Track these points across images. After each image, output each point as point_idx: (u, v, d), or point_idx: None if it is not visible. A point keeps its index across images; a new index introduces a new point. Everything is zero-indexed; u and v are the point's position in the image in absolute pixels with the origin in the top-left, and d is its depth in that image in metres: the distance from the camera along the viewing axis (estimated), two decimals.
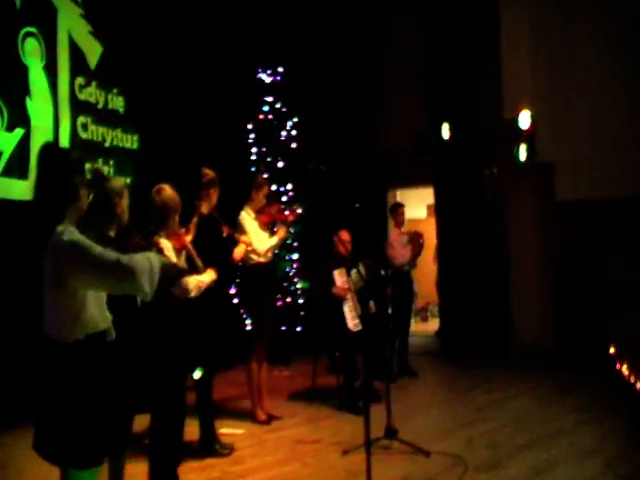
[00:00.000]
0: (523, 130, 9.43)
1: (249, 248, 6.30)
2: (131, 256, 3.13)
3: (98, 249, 3.10)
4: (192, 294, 4.66)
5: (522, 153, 9.44)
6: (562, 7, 9.48)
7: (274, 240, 6.54)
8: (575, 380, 7.91)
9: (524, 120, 9.39)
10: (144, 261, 3.12)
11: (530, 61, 9.65)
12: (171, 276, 3.70)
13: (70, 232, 3.12)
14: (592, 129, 9.18)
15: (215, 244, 5.52)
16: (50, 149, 4.88)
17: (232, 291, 8.58)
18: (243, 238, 6.23)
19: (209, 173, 5.80)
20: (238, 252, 6.19)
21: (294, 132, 10.21)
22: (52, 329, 3.16)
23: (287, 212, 6.92)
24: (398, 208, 9.05)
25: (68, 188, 3.24)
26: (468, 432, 5.96)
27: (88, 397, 3.13)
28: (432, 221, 11.53)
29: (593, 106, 9.17)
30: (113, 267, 3.04)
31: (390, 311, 8.07)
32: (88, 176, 3.67)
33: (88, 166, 6.96)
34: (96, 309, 3.26)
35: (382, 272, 7.77)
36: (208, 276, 4.81)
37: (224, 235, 5.79)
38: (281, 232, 6.62)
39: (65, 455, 3.12)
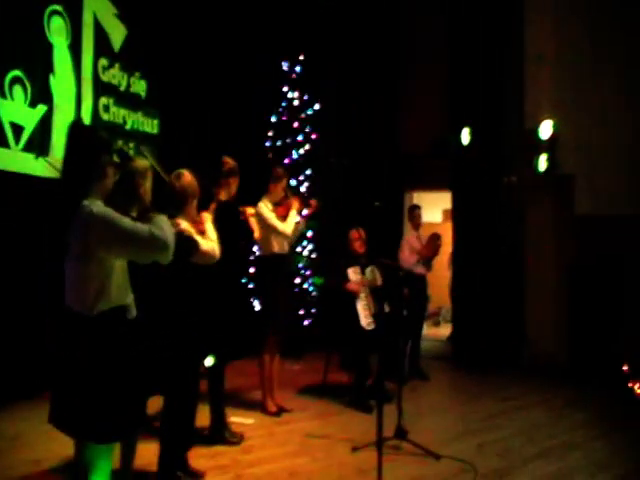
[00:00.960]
0: (543, 140, 9.34)
1: (270, 231, 6.31)
2: (160, 226, 3.16)
3: (127, 220, 3.13)
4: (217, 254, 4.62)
5: (542, 163, 9.36)
6: (588, 17, 9.38)
7: (293, 215, 6.47)
8: (587, 394, 7.82)
9: (545, 130, 9.32)
10: (170, 228, 3.22)
11: (554, 70, 9.55)
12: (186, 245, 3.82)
13: (98, 205, 3.14)
14: (614, 143, 9.08)
15: (233, 230, 5.48)
16: (79, 127, 4.84)
17: (246, 281, 8.55)
18: (250, 210, 6.22)
19: (229, 162, 5.78)
20: (256, 230, 6.22)
21: (314, 124, 10.15)
22: (76, 301, 3.15)
23: (304, 206, 6.85)
24: (415, 210, 8.95)
25: (96, 166, 3.24)
26: (478, 438, 5.89)
27: (110, 370, 3.11)
28: (447, 226, 11.45)
29: (617, 119, 9.08)
30: (147, 238, 3.08)
31: (404, 312, 8.00)
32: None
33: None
34: (121, 283, 3.26)
35: (400, 273, 7.68)
36: (209, 230, 4.73)
37: (242, 219, 5.76)
38: (294, 204, 6.55)
39: (85, 428, 3.09)
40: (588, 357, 8.63)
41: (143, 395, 3.48)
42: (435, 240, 8.65)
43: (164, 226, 3.18)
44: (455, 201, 10.49)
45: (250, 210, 6.22)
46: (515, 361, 9.29)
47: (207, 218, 4.80)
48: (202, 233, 4.65)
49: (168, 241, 3.11)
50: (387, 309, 7.02)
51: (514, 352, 9.38)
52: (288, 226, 6.41)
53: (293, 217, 6.48)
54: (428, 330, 12.81)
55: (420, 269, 8.57)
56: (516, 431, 6.20)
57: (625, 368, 7.96)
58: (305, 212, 6.87)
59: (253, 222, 6.26)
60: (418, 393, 7.69)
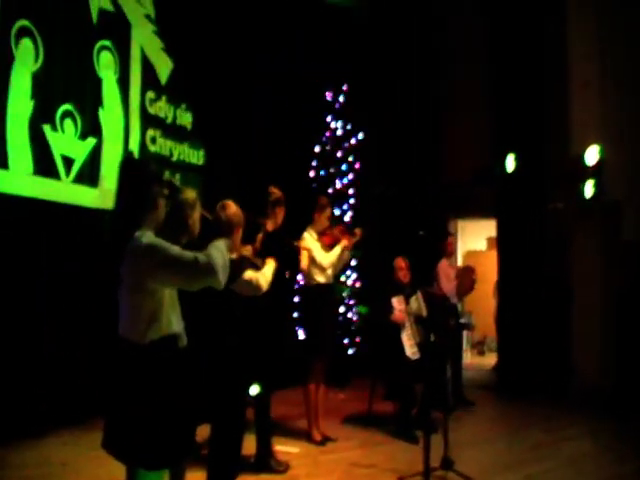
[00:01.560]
0: (589, 166, 9.25)
1: (311, 262, 6.34)
2: (206, 252, 3.19)
3: (176, 248, 3.19)
4: (264, 289, 4.67)
5: (588, 190, 9.26)
6: (634, 38, 9.30)
7: (336, 250, 6.51)
8: (636, 425, 7.65)
9: (591, 156, 9.23)
10: (219, 255, 3.21)
11: (599, 95, 9.46)
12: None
13: (148, 236, 3.21)
14: None
15: (280, 259, 5.53)
16: (130, 160, 4.97)
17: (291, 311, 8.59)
18: (303, 244, 6.27)
19: (276, 192, 5.82)
20: (304, 259, 6.24)
21: (358, 153, 10.22)
22: (128, 331, 3.22)
23: (349, 235, 6.85)
24: (447, 238, 8.90)
25: (148, 197, 3.31)
26: (525, 470, 5.80)
27: (161, 398, 3.16)
28: (492, 254, 11.39)
29: None
30: (192, 265, 3.12)
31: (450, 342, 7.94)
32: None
33: None
34: (171, 311, 3.32)
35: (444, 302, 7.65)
36: (270, 266, 4.81)
37: (291, 247, 5.81)
38: (342, 242, 6.57)
39: (135, 454, 3.13)
40: (637, 387, 8.45)
41: (192, 423, 3.51)
42: (470, 274, 8.57)
43: (213, 252, 3.20)
44: (500, 229, 10.43)
45: (303, 244, 6.27)
46: (561, 391, 9.15)
47: (270, 261, 4.85)
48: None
49: (215, 266, 3.11)
50: (432, 338, 6.98)
51: (560, 382, 9.24)
52: (329, 258, 6.43)
53: (337, 251, 6.51)
54: (472, 359, 12.71)
55: (453, 299, 8.52)
56: (562, 463, 6.08)
57: None
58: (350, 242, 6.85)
59: (304, 254, 6.29)
60: (463, 423, 7.60)
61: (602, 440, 7.00)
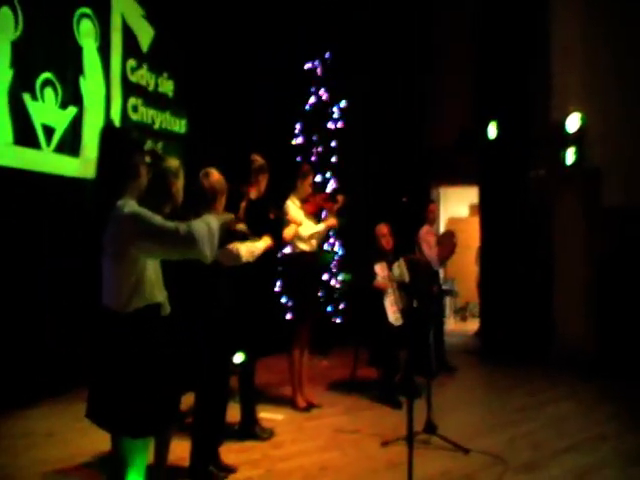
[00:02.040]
0: (571, 133, 9.27)
1: (298, 229, 6.35)
2: (189, 224, 3.17)
3: (158, 218, 3.16)
4: (244, 259, 4.70)
5: (569, 157, 9.29)
6: (617, 8, 9.26)
7: (320, 227, 6.56)
8: (617, 387, 7.79)
9: (572, 123, 9.25)
10: (203, 226, 3.18)
11: (580, 62, 9.45)
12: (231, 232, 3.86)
13: (130, 205, 3.18)
14: None
15: (264, 228, 5.54)
16: (111, 128, 4.95)
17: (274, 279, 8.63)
18: (292, 217, 6.27)
19: (258, 159, 5.83)
20: (288, 232, 6.26)
21: (340, 121, 10.23)
22: (111, 299, 3.20)
23: (332, 202, 6.87)
24: (429, 205, 8.90)
25: (130, 166, 3.29)
26: (508, 432, 5.89)
27: (145, 366, 3.16)
28: (474, 220, 11.44)
29: None
30: (173, 234, 3.10)
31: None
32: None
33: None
34: (154, 281, 3.31)
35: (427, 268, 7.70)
36: (263, 242, 4.86)
37: (272, 218, 5.81)
38: (330, 220, 6.63)
39: (121, 423, 3.15)
40: (618, 350, 8.60)
41: (176, 391, 3.53)
42: (450, 238, 8.57)
43: (195, 223, 3.18)
44: (482, 195, 10.48)
45: (293, 217, 6.29)
46: (544, 354, 9.26)
47: (266, 239, 4.89)
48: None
49: (196, 237, 3.09)
50: (415, 304, 7.03)
51: (543, 345, 9.35)
52: (309, 230, 6.44)
53: (321, 227, 6.55)
54: (455, 325, 12.82)
55: (435, 265, 8.56)
56: (546, 424, 6.18)
57: None
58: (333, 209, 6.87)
59: (292, 226, 6.29)
60: (447, 388, 7.70)
61: (584, 402, 7.11)
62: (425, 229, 8.64)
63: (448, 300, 12.82)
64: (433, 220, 8.79)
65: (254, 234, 4.78)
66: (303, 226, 6.42)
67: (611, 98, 9.21)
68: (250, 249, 4.76)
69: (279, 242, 6.28)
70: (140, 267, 3.20)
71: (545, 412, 6.65)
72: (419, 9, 11.43)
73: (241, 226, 4.26)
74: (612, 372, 8.31)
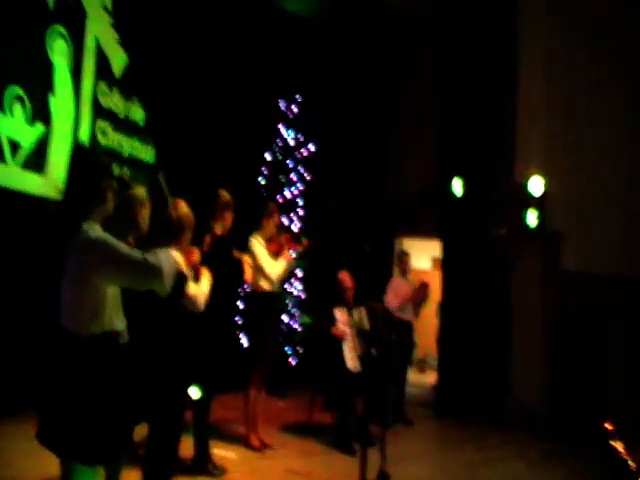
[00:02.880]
0: (533, 196, 9.39)
1: (257, 271, 6.29)
2: (156, 254, 3.15)
3: (124, 246, 3.17)
4: (202, 307, 4.58)
5: (531, 219, 9.38)
6: (581, 72, 9.52)
7: (283, 263, 6.47)
8: (568, 448, 7.76)
9: (535, 186, 9.36)
10: (167, 258, 3.21)
11: (545, 125, 9.64)
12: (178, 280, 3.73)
13: (96, 230, 3.14)
14: (604, 200, 9.17)
15: (227, 265, 5.48)
16: (83, 150, 4.88)
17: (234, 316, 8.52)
18: (247, 259, 6.22)
19: (225, 195, 5.83)
20: (248, 273, 6.17)
21: (308, 164, 10.25)
22: (71, 322, 3.17)
23: (296, 244, 6.82)
24: (403, 257, 9.06)
25: (97, 190, 3.25)
26: None
27: (99, 392, 3.12)
28: (436, 274, 11.46)
29: (607, 176, 9.19)
30: (141, 264, 3.10)
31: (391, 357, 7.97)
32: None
33: None
34: (114, 309, 3.28)
35: (387, 317, 7.67)
36: (205, 279, 4.70)
37: (235, 255, 5.77)
38: (286, 254, 6.55)
39: (72, 448, 3.05)
40: (570, 412, 8.63)
41: (130, 420, 3.44)
42: (424, 288, 8.69)
43: (161, 255, 3.18)
44: (444, 250, 10.52)
45: (247, 258, 6.20)
46: (498, 412, 9.22)
47: (205, 273, 4.75)
48: (193, 264, 4.60)
49: (162, 269, 3.09)
50: (374, 352, 6.97)
51: (497, 403, 9.32)
52: (276, 268, 6.39)
53: (283, 264, 6.47)
54: (413, 376, 12.75)
55: (408, 315, 8.59)
56: None
57: (607, 426, 7.90)
58: (296, 251, 6.84)
59: (246, 267, 6.22)
60: (401, 438, 7.58)
61: (535, 462, 7.10)
62: (398, 279, 8.83)
63: None
64: (406, 272, 8.85)
65: (214, 273, 4.70)
66: (268, 265, 6.35)
67: (572, 164, 9.39)
68: (203, 293, 4.64)
69: (240, 280, 6.21)
70: (101, 294, 3.19)
71: (496, 470, 6.63)
72: (387, 61, 11.58)
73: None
74: (564, 434, 8.29)
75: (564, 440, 8.10)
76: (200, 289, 4.55)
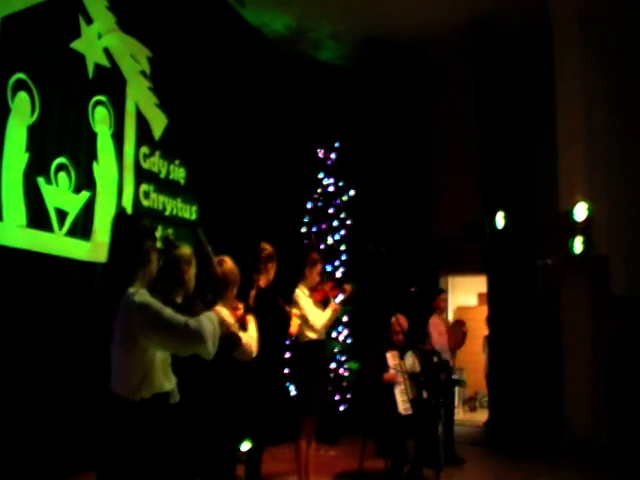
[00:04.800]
0: (578, 222, 9.32)
1: (303, 321, 6.31)
2: (198, 320, 3.19)
3: (168, 311, 3.19)
4: (254, 352, 4.66)
5: (577, 246, 9.29)
6: (619, 96, 9.53)
7: (328, 312, 6.51)
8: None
9: (580, 212, 9.29)
10: (210, 324, 3.23)
11: (586, 151, 9.57)
12: (229, 341, 3.86)
13: (141, 294, 3.20)
14: None
15: (273, 317, 5.54)
16: (123, 214, 5.03)
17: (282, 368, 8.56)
18: (295, 311, 6.25)
19: (268, 248, 5.90)
20: (293, 325, 6.21)
21: (349, 210, 10.33)
22: (120, 387, 3.21)
23: (340, 291, 6.86)
24: (440, 294, 9.04)
25: (140, 252, 3.33)
26: None
27: (151, 454, 3.15)
28: (482, 309, 11.41)
29: None
30: (182, 330, 3.13)
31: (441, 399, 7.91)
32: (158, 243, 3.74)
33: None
34: (162, 371, 3.32)
35: (435, 359, 7.64)
36: (252, 325, 4.79)
37: (281, 307, 5.83)
38: (332, 304, 6.59)
39: None
40: (629, 442, 8.42)
41: (184, 478, 3.49)
42: (460, 327, 8.67)
43: (204, 321, 3.22)
44: (490, 284, 10.48)
45: (295, 310, 6.27)
46: (554, 446, 9.09)
47: (251, 320, 4.84)
48: (240, 320, 4.69)
49: (203, 334, 3.14)
50: (425, 395, 6.95)
51: (552, 437, 9.18)
52: (321, 319, 6.44)
53: (329, 314, 6.51)
54: (464, 416, 12.61)
55: (446, 355, 8.54)
56: None
57: None
58: (340, 297, 6.89)
59: (294, 320, 6.27)
60: (455, 479, 7.52)
61: None
62: (435, 318, 8.74)
63: (457, 390, 12.65)
64: (443, 309, 8.85)
65: (260, 326, 4.77)
66: (313, 315, 6.40)
67: (616, 187, 9.35)
68: (254, 340, 4.73)
69: (287, 331, 6.28)
70: (149, 356, 3.22)
71: None
72: (427, 102, 11.66)
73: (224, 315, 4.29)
74: (623, 466, 8.12)
75: (624, 471, 7.95)
76: (249, 336, 4.63)
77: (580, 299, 9.49)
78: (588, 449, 8.72)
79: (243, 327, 4.68)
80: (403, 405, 6.85)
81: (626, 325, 8.91)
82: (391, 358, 7.06)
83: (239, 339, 4.31)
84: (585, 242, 9.26)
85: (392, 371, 6.97)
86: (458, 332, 8.59)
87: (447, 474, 7.37)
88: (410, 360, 7.15)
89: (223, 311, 4.49)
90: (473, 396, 13.75)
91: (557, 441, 9.14)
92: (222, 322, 3.64)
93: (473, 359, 11.76)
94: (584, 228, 9.31)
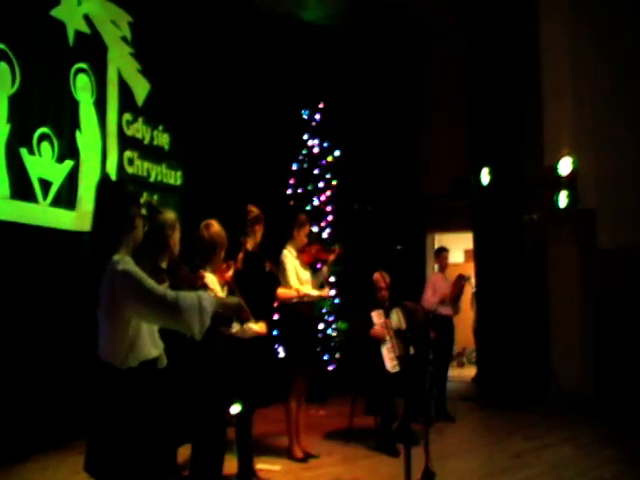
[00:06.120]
0: (563, 176, 9.35)
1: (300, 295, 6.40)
2: (178, 293, 3.16)
3: (149, 282, 3.15)
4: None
5: (562, 200, 9.34)
6: (605, 51, 9.49)
7: (314, 293, 6.61)
8: (615, 430, 7.75)
9: (564, 166, 9.33)
10: (192, 300, 3.16)
11: (572, 105, 9.60)
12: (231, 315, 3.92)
13: (125, 262, 3.17)
14: (635, 175, 9.14)
15: (259, 280, 5.58)
16: (107, 182, 5.00)
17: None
18: (295, 287, 6.36)
19: (254, 210, 5.89)
20: (283, 292, 6.28)
21: (335, 170, 10.32)
22: (107, 355, 3.21)
23: (328, 253, 6.88)
24: (442, 252, 9.15)
25: (125, 219, 3.30)
26: (506, 478, 5.87)
27: (140, 421, 3.16)
28: (469, 266, 11.47)
29: (636, 151, 9.13)
30: (159, 302, 3.10)
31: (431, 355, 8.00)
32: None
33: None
34: (149, 337, 3.31)
35: (420, 316, 7.70)
36: (260, 328, 5.08)
37: (268, 269, 5.86)
38: (324, 291, 6.84)
39: (118, 476, 3.14)
40: (616, 392, 8.56)
41: (173, 444, 3.52)
42: (460, 280, 8.79)
43: (186, 296, 3.16)
44: (477, 241, 10.53)
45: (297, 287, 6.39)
46: (541, 398, 9.22)
47: (261, 325, 5.19)
48: (225, 282, 4.75)
49: (180, 308, 3.08)
50: (412, 351, 7.02)
51: (540, 389, 9.32)
52: (303, 289, 6.46)
53: (312, 293, 6.59)
54: (452, 371, 12.74)
55: (446, 310, 8.66)
56: (545, 470, 6.13)
57: None
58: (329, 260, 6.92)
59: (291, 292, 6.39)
60: (445, 435, 7.66)
61: (582, 446, 7.06)
62: (438, 276, 9.00)
63: None
64: (444, 267, 8.96)
65: (247, 289, 4.83)
66: (298, 278, 6.45)
67: (602, 141, 9.36)
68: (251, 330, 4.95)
69: (273, 294, 6.33)
70: (135, 325, 3.19)
71: (543, 457, 6.61)
72: (411, 57, 11.61)
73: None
74: (610, 415, 8.27)
75: (611, 421, 8.10)
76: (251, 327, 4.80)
77: (567, 253, 9.58)
78: (576, 401, 8.87)
79: (231, 292, 4.73)
80: (391, 362, 6.93)
81: (613, 279, 8.96)
82: (376, 317, 7.12)
83: (227, 320, 4.36)
84: (570, 196, 9.32)
85: (378, 327, 7.04)
86: (457, 284, 8.77)
87: (437, 429, 7.46)
88: (395, 317, 7.21)
89: (209, 277, 4.54)
90: (461, 352, 13.87)
91: (545, 394, 9.27)
92: (224, 304, 3.66)
93: (461, 315, 11.77)
94: (569, 182, 9.37)
